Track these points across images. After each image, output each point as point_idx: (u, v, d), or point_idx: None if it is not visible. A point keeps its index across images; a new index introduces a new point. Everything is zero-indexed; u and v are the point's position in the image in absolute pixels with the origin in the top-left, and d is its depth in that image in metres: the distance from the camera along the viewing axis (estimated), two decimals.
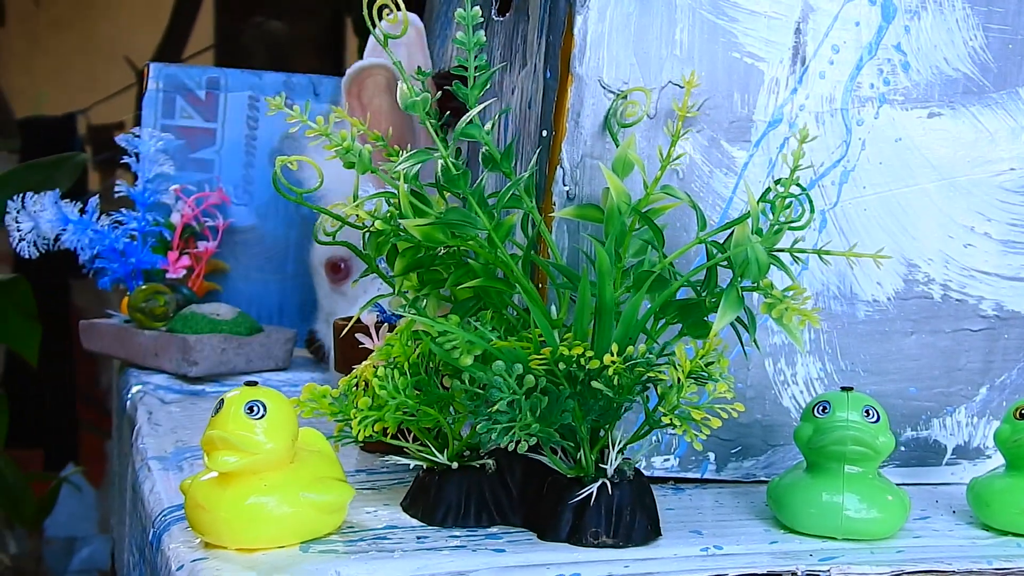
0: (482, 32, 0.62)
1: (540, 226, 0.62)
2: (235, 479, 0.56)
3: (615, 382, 0.55)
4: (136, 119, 1.16)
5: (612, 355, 0.55)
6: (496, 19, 0.84)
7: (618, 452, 0.58)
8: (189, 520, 0.57)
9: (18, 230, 1.06)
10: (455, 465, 0.61)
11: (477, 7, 0.61)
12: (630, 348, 0.56)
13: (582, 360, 0.55)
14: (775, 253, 0.58)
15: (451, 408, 0.62)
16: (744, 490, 0.70)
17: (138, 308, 1.06)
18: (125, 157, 1.12)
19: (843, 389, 0.62)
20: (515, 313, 0.63)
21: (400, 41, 1.00)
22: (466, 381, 0.57)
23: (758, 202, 0.58)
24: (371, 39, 1.04)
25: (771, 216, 0.58)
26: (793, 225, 0.58)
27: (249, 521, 0.55)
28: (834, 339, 0.71)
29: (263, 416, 0.56)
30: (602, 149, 0.67)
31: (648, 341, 0.60)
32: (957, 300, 0.73)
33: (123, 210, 1.11)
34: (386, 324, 0.67)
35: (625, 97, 0.66)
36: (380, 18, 0.58)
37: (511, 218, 0.60)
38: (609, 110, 0.66)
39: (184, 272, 1.11)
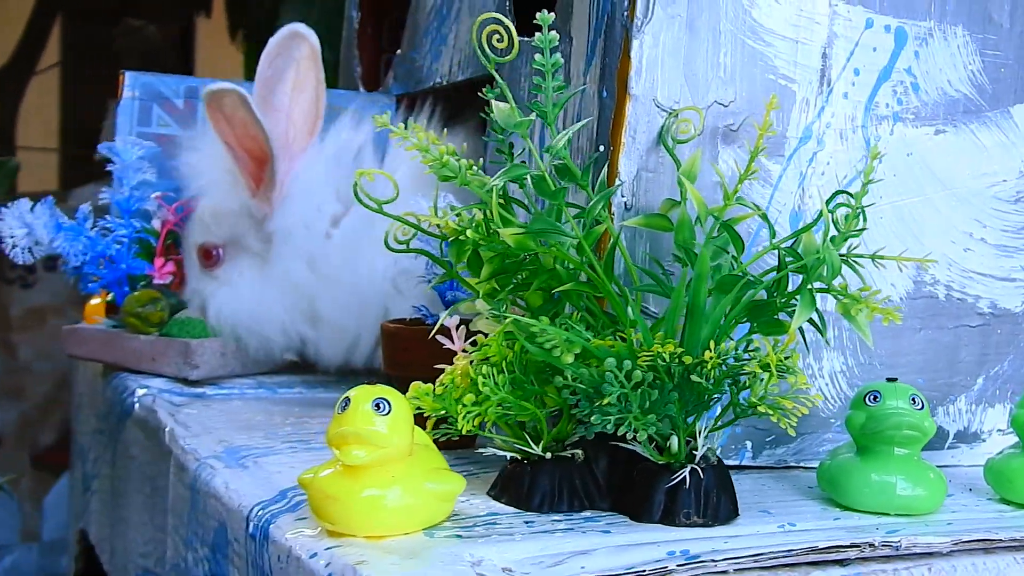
0: (559, 54, 0.67)
1: (617, 238, 0.67)
2: (364, 471, 0.60)
3: (711, 376, 0.61)
4: None
5: (711, 351, 0.61)
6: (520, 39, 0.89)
7: (703, 439, 0.64)
8: (316, 510, 0.61)
9: (11, 236, 1.06)
10: (548, 455, 0.66)
11: (554, 32, 0.66)
12: (723, 345, 0.62)
13: (682, 357, 0.61)
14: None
15: (543, 402, 0.67)
16: (778, 475, 0.77)
17: (134, 313, 1.07)
18: (109, 164, 1.14)
19: (888, 380, 0.69)
20: (588, 313, 0.68)
21: (291, 56, 1.05)
22: (568, 377, 0.63)
23: (829, 211, 0.65)
24: (264, 53, 1.06)
25: (842, 224, 0.64)
26: (851, 233, 0.65)
27: (380, 510, 0.59)
28: (855, 336, 0.78)
29: (389, 412, 0.60)
30: (656, 163, 0.72)
31: (722, 337, 0.66)
32: (958, 299, 0.81)
33: (107, 217, 1.13)
34: (464, 326, 0.71)
35: (676, 115, 0.72)
36: (490, 42, 0.63)
37: (600, 227, 0.65)
38: (662, 127, 0.72)
39: (170, 278, 1.13)
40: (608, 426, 0.61)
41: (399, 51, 1.19)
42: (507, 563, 0.57)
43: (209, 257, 1.07)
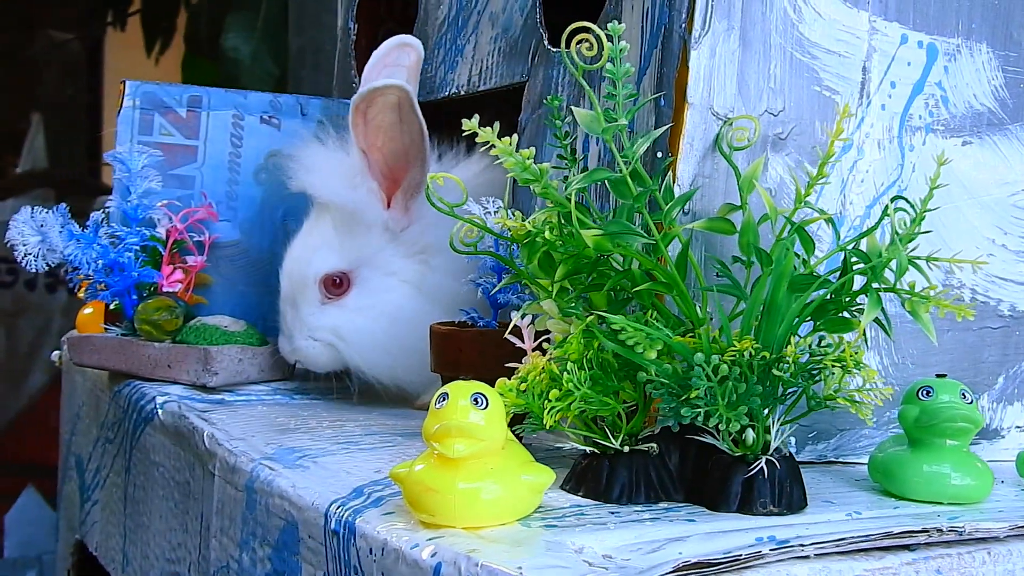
0: (629, 64, 0.69)
1: (688, 241, 0.70)
2: (462, 464, 0.61)
3: (790, 371, 0.64)
4: None
5: (791, 346, 0.64)
6: (553, 49, 0.91)
7: (776, 432, 0.67)
8: (413, 503, 0.62)
9: (23, 244, 1.06)
10: (626, 449, 0.68)
11: (626, 43, 0.69)
12: (802, 340, 0.65)
13: (762, 353, 0.64)
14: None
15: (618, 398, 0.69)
16: (821, 470, 0.80)
17: (149, 321, 1.08)
18: (116, 172, 1.14)
19: (938, 376, 0.72)
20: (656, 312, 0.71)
21: (401, 64, 1.06)
22: (651, 373, 0.65)
23: (888, 215, 0.68)
24: (370, 64, 1.08)
25: (906, 227, 0.68)
26: (915, 234, 0.69)
27: (480, 502, 0.61)
28: (889, 337, 0.82)
29: (487, 407, 0.62)
30: (711, 169, 0.75)
31: (792, 334, 0.69)
32: (982, 302, 0.85)
33: (112, 225, 1.13)
34: (533, 325, 0.73)
35: (731, 124, 0.75)
36: (579, 48, 0.65)
37: (676, 229, 0.68)
38: (718, 135, 0.75)
39: (179, 286, 1.13)
40: (698, 419, 0.63)
41: None
42: (607, 550, 0.59)
43: (337, 286, 1.01)
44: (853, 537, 0.62)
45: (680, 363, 0.66)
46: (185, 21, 3.49)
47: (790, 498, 0.67)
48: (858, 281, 0.69)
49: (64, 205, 1.08)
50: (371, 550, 0.63)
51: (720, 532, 0.63)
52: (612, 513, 0.66)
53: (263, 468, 0.78)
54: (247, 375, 1.07)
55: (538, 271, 0.71)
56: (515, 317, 0.72)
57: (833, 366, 0.66)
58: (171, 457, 0.97)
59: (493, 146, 0.68)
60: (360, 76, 1.29)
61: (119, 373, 1.11)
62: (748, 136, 0.74)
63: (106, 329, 1.15)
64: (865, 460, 0.81)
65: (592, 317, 0.67)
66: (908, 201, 0.70)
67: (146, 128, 1.19)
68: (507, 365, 0.71)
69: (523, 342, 0.72)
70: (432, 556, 0.59)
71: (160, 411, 1.00)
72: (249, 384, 1.08)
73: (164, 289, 1.13)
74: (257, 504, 0.77)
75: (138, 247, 1.11)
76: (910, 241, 0.68)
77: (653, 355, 0.64)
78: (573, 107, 0.68)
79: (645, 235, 0.67)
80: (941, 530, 0.64)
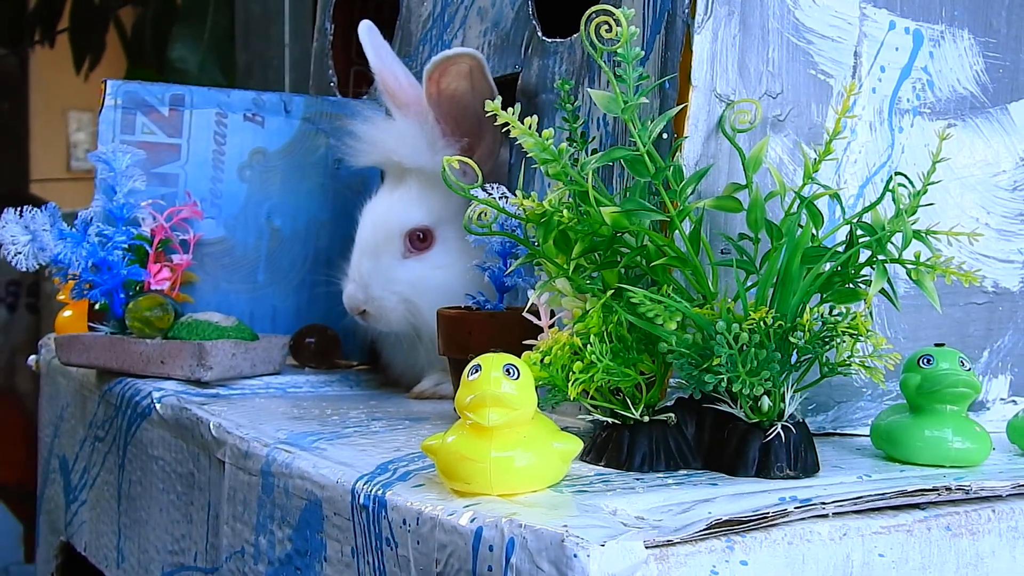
0: (639, 48, 0.72)
1: (698, 220, 0.72)
2: (495, 433, 0.63)
3: (806, 339, 0.67)
4: None
5: (808, 315, 0.67)
6: (547, 40, 0.94)
7: (790, 399, 0.70)
8: (448, 473, 0.64)
9: (13, 243, 1.06)
10: (646, 419, 0.71)
11: (635, 28, 0.71)
12: (817, 309, 0.68)
13: (779, 321, 0.66)
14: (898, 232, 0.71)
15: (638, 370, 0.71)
16: (821, 440, 0.82)
17: (142, 318, 1.08)
18: (102, 172, 1.14)
19: (936, 345, 0.75)
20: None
21: (461, 73, 1.04)
22: (671, 343, 0.67)
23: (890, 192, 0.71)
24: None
25: (904, 201, 0.71)
26: (919, 206, 0.72)
27: (514, 469, 0.63)
28: (882, 312, 0.85)
29: (518, 377, 0.63)
30: (715, 149, 0.78)
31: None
32: None
33: (99, 224, 1.13)
34: (548, 303, 0.75)
35: (733, 106, 0.78)
36: (599, 34, 0.68)
37: (691, 205, 0.70)
38: (721, 117, 0.78)
39: (167, 284, 1.14)
40: (720, 386, 0.66)
41: None
42: (639, 512, 0.61)
43: (421, 240, 1.05)
44: (869, 496, 0.65)
45: (697, 334, 0.68)
46: (128, 32, 3.49)
47: (805, 462, 0.69)
48: (860, 254, 0.72)
49: (54, 204, 1.08)
50: (404, 521, 0.65)
51: (744, 494, 0.65)
52: (637, 480, 0.68)
53: (280, 452, 0.79)
54: (240, 370, 1.08)
55: (552, 250, 0.73)
56: (532, 296, 0.74)
57: (845, 334, 0.68)
58: (171, 450, 0.97)
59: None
60: (337, 74, 1.30)
61: (110, 371, 1.11)
62: (750, 119, 0.77)
63: (92, 328, 1.15)
64: (862, 432, 0.84)
65: (610, 292, 0.69)
66: (907, 178, 0.73)
67: (128, 127, 1.19)
68: (525, 343, 0.73)
69: (540, 320, 0.74)
70: (471, 521, 0.61)
71: (158, 405, 1.00)
72: (241, 379, 1.09)
73: (152, 287, 1.13)
74: (275, 487, 0.78)
75: (125, 246, 1.12)
76: (912, 214, 0.71)
77: (673, 326, 0.67)
78: (590, 89, 0.70)
79: (661, 213, 0.70)
80: (950, 488, 0.67)
